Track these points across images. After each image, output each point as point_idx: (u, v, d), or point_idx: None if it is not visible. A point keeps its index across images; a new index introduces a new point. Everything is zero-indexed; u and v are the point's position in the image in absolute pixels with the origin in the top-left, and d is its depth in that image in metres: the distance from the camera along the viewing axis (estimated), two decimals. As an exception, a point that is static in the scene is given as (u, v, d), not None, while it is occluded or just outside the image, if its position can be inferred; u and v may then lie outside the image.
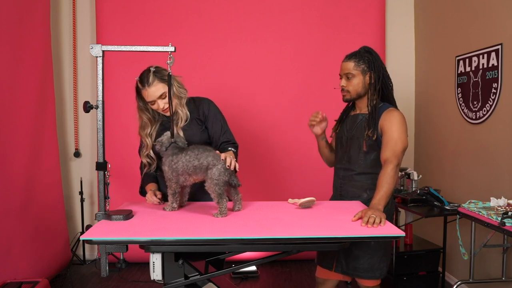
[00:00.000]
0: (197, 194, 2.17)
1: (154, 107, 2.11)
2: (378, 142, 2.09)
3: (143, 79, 2.07)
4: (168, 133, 2.00)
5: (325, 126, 2.32)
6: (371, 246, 2.08)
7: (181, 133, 2.13)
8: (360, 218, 1.80)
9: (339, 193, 2.25)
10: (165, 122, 2.22)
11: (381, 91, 2.17)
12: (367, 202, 2.13)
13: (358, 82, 2.13)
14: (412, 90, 4.14)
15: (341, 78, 2.19)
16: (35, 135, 3.38)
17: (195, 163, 1.89)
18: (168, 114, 2.10)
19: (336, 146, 2.33)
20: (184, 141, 2.03)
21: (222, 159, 1.88)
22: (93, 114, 3.84)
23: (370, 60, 2.12)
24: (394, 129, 2.03)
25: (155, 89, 2.05)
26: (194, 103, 2.23)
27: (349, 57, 2.15)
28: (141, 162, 2.30)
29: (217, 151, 1.97)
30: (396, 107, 2.19)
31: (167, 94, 2.05)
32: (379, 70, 2.13)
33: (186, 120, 2.15)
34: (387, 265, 2.14)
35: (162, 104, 2.08)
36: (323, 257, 2.25)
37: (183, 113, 2.15)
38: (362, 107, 2.19)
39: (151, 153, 2.18)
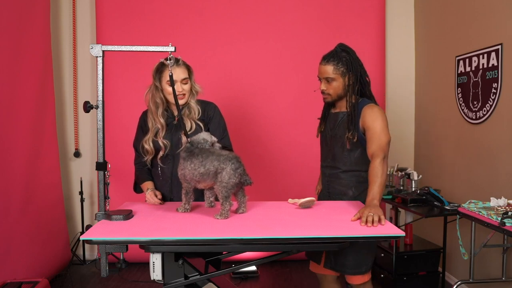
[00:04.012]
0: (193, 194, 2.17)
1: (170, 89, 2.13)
2: (361, 139, 2.11)
3: (172, 58, 2.12)
4: (201, 134, 1.97)
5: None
6: (357, 242, 2.09)
7: (201, 124, 2.20)
8: (359, 218, 1.80)
9: (327, 191, 2.27)
10: (169, 121, 2.23)
11: (359, 88, 2.17)
12: (353, 199, 2.17)
13: (338, 85, 2.13)
14: (412, 90, 4.13)
15: (320, 81, 2.19)
16: (35, 135, 3.38)
17: (201, 170, 1.84)
18: (182, 101, 2.17)
19: (321, 145, 2.34)
20: (210, 141, 1.95)
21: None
22: (93, 114, 3.84)
23: (348, 60, 2.11)
24: (376, 124, 2.05)
25: (181, 71, 2.16)
26: (201, 105, 2.27)
27: (327, 59, 2.13)
28: (135, 157, 2.31)
29: (224, 151, 1.93)
30: (374, 101, 2.20)
31: (188, 81, 2.19)
32: (357, 69, 2.13)
33: (199, 114, 2.22)
34: (372, 260, 2.16)
35: (181, 87, 2.16)
36: (312, 252, 2.27)
37: (196, 106, 2.22)
38: (342, 106, 2.19)
39: (151, 144, 2.18)
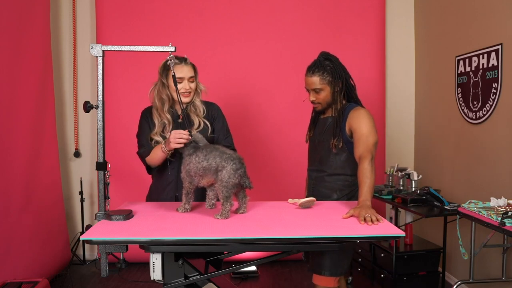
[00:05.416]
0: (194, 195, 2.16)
1: (179, 86, 2.15)
2: (347, 143, 2.13)
3: (180, 57, 2.20)
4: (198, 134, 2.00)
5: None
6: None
7: (207, 123, 2.22)
8: (352, 216, 1.84)
9: (312, 194, 2.28)
10: (174, 118, 2.24)
11: (346, 93, 2.20)
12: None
13: (326, 94, 2.16)
14: (412, 90, 4.13)
15: (308, 92, 2.21)
16: (35, 135, 3.38)
17: (204, 164, 1.86)
18: (187, 99, 2.20)
19: (309, 150, 2.36)
20: (204, 140, 2.00)
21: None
22: (93, 114, 3.84)
23: (333, 68, 2.13)
24: (363, 126, 2.07)
25: (188, 70, 2.20)
26: (204, 105, 2.29)
27: (312, 71, 2.15)
28: (139, 147, 2.25)
29: (229, 150, 1.94)
30: (361, 104, 2.22)
31: (194, 79, 2.22)
32: (342, 76, 2.15)
33: (204, 112, 2.24)
34: (348, 264, 2.17)
35: (188, 85, 2.19)
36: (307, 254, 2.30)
37: (201, 105, 2.25)
38: (330, 111, 2.22)
39: (160, 138, 2.17)
